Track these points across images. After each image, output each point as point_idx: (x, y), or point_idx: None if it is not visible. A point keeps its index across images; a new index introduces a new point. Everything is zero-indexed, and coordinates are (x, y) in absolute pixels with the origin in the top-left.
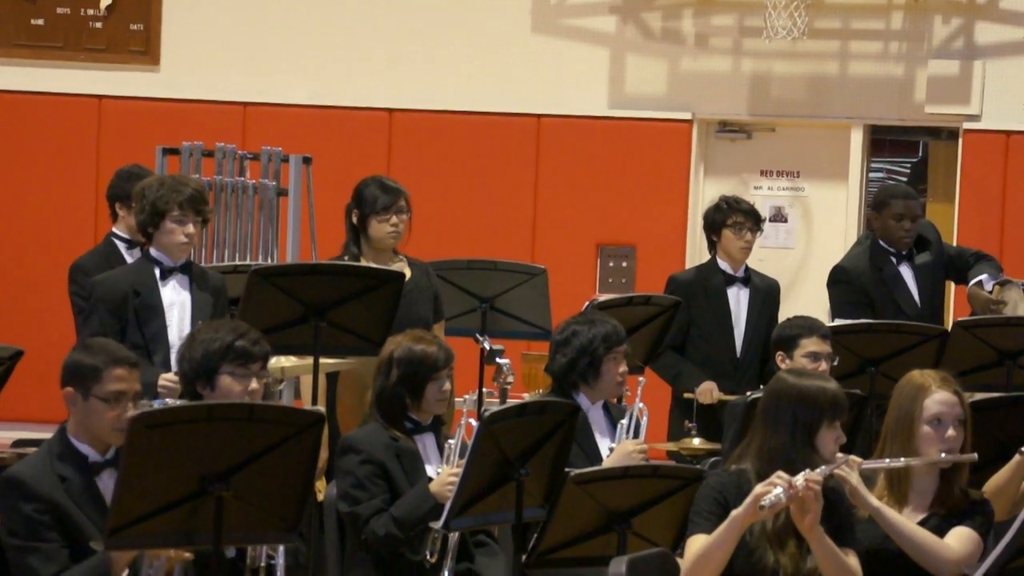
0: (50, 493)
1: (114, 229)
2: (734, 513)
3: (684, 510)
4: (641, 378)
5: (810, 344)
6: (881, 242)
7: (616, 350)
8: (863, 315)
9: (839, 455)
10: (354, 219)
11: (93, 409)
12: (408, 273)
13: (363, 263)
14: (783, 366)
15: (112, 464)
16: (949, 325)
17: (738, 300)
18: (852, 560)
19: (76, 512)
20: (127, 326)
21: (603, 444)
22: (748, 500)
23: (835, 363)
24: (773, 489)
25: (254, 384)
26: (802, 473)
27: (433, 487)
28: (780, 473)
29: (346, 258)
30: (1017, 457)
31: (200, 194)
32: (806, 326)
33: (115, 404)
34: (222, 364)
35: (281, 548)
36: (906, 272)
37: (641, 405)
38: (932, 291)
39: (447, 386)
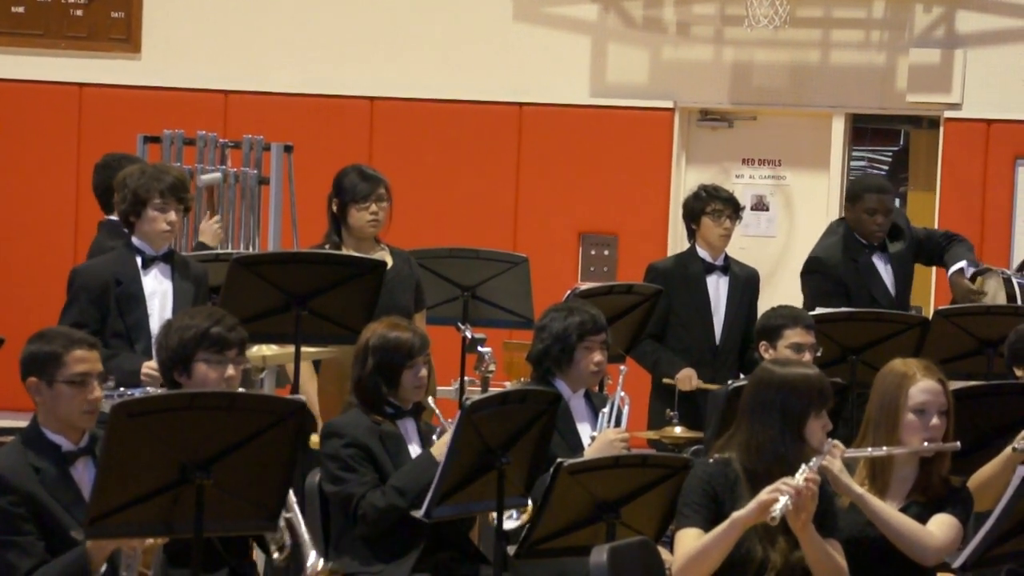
0: (25, 485)
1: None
2: (735, 515)
3: (669, 499)
4: (623, 366)
5: (794, 335)
6: (854, 233)
7: (590, 339)
8: (838, 305)
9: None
10: (334, 208)
11: (60, 395)
12: (390, 262)
13: (344, 252)
14: (767, 356)
15: (86, 452)
16: (930, 313)
17: (717, 288)
18: (838, 555)
19: (52, 503)
20: (108, 315)
21: (584, 432)
22: (752, 505)
23: (818, 354)
24: (781, 498)
25: (230, 371)
26: (800, 473)
27: (436, 452)
28: (786, 480)
29: (327, 247)
30: (1008, 451)
31: (181, 182)
32: (791, 317)
33: (81, 386)
34: (197, 351)
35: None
36: (879, 262)
37: (623, 394)
38: (905, 280)
39: (423, 373)
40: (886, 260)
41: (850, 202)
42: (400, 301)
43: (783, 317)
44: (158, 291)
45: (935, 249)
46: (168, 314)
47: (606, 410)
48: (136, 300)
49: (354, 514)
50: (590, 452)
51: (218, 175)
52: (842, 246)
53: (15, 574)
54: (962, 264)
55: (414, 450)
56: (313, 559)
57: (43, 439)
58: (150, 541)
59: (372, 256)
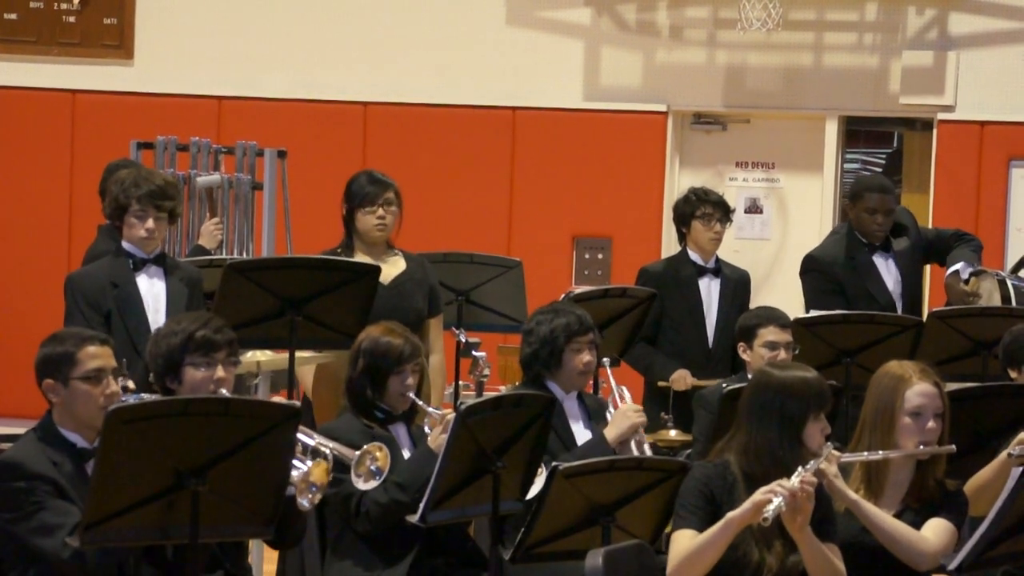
0: (47, 472)
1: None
2: (730, 515)
3: (665, 502)
4: (606, 361)
5: (768, 333)
6: (856, 232)
7: (578, 340)
8: (836, 303)
9: (825, 444)
10: (344, 213)
11: (76, 393)
12: (403, 266)
13: (357, 257)
14: (745, 357)
15: None
16: (925, 315)
17: (709, 291)
18: (836, 558)
19: (71, 492)
20: (111, 319)
21: (578, 431)
22: (746, 505)
23: (796, 352)
24: (774, 499)
25: (220, 372)
26: (796, 475)
27: (432, 444)
28: (781, 482)
29: (339, 251)
30: (1003, 456)
31: (161, 190)
32: (764, 315)
33: (97, 382)
34: (184, 356)
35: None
36: (880, 261)
37: (622, 387)
38: (911, 277)
39: (410, 381)
40: (889, 258)
41: (851, 201)
42: (413, 305)
43: (757, 316)
44: (150, 293)
45: (944, 249)
46: (161, 317)
47: (615, 391)
48: (134, 302)
49: (356, 511)
50: (610, 428)
51: (216, 177)
52: (842, 245)
53: (57, 532)
54: (957, 266)
55: (407, 456)
56: (356, 455)
57: (59, 436)
58: None
59: (382, 261)
